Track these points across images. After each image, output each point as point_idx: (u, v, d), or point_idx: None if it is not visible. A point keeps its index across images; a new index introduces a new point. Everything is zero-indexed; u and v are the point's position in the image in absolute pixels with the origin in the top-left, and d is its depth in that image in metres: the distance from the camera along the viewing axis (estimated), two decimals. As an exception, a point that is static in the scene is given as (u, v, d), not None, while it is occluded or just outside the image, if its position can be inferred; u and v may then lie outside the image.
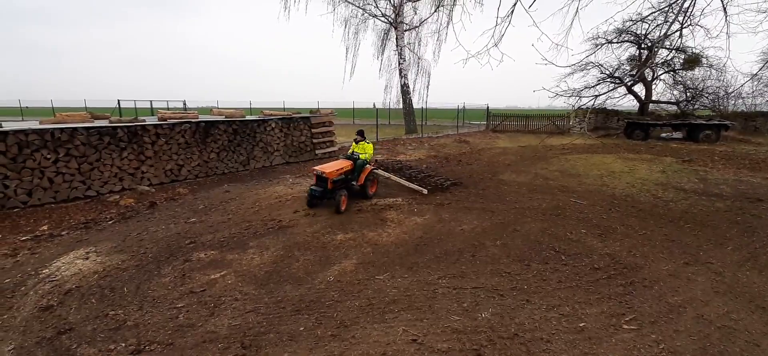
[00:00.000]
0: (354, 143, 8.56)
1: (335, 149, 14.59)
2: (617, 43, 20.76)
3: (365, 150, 8.32)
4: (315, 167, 7.75)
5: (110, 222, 7.22)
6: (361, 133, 8.58)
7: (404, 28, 22.97)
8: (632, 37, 20.47)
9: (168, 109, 22.34)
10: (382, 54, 23.75)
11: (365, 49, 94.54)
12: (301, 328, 3.90)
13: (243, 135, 11.47)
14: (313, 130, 13.55)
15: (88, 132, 8.39)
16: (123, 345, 3.68)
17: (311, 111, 14.17)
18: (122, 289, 4.75)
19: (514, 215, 7.43)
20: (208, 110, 13.67)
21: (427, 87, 24.43)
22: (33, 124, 8.36)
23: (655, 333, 3.78)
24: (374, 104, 40.19)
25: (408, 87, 24.15)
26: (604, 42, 20.24)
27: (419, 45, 23.65)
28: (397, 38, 22.83)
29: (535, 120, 24.94)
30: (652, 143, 18.68)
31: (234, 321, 4.07)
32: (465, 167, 12.39)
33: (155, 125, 9.49)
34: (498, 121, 26.06)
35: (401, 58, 23.26)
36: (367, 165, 8.35)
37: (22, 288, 4.81)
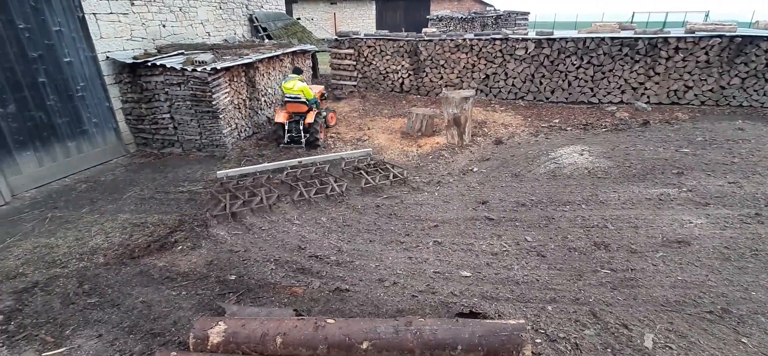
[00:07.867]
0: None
1: None
2: None
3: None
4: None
5: (603, 130, 8.03)
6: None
7: None
8: None
9: (683, 24, 19.38)
10: None
11: None
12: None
13: (798, 59, 8.21)
14: None
15: (612, 42, 9.10)
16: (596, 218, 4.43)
17: None
18: (593, 189, 5.48)
19: None
20: (748, 25, 10.63)
21: None
22: (572, 33, 10.12)
23: None
24: None
25: None
26: None
27: None
28: None
29: None
30: None
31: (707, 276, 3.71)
32: None
33: (678, 38, 8.70)
34: None
35: None
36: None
37: (538, 161, 6.69)
